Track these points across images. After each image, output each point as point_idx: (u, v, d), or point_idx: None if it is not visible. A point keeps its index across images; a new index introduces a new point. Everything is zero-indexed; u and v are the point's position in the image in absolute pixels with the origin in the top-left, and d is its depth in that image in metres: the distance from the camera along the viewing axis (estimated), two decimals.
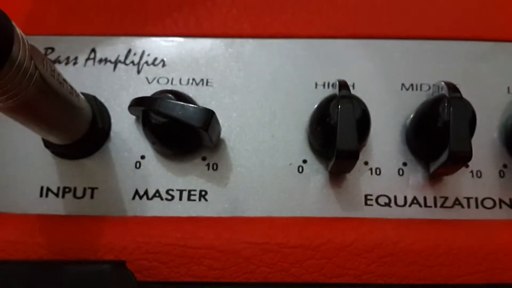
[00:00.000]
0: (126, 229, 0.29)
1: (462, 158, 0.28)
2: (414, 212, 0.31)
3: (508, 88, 0.34)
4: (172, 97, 0.30)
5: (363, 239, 0.29)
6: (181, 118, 0.28)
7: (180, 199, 0.31)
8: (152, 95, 0.30)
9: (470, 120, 0.29)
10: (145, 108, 0.29)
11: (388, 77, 0.34)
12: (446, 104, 0.29)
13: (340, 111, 0.28)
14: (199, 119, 0.28)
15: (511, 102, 0.32)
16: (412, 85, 0.34)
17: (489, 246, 0.29)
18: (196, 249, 0.28)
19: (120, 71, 0.34)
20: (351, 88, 0.31)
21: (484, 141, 0.32)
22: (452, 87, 0.30)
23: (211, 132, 0.29)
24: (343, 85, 0.30)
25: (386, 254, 0.28)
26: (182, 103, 0.29)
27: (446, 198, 0.31)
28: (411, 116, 0.32)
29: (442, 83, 0.30)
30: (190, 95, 0.32)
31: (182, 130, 0.29)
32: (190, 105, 0.29)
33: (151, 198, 0.31)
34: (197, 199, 0.31)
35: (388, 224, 0.30)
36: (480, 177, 0.32)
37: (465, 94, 0.29)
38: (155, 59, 0.34)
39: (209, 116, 0.28)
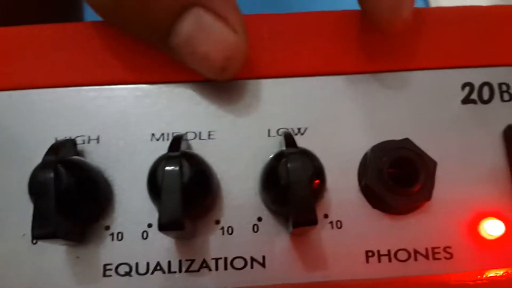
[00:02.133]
0: None
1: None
2: (156, 281, 0.28)
3: (269, 131, 0.30)
4: None
5: None
6: None
7: None
8: None
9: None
10: None
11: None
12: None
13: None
14: None
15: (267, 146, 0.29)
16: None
17: None
18: None
19: None
20: None
21: (237, 193, 0.29)
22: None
23: None
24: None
25: None
26: None
27: (192, 261, 0.28)
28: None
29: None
30: None
31: None
32: None
33: None
34: None
35: None
36: (231, 233, 0.29)
37: None
38: None
39: None
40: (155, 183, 0.26)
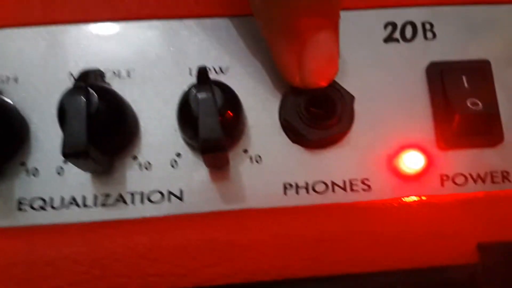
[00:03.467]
0: None
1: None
2: (71, 215, 0.28)
3: (190, 70, 0.30)
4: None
5: None
6: None
7: None
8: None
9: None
10: None
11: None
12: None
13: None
14: None
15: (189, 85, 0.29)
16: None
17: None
18: None
19: None
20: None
21: (156, 130, 0.29)
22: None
23: None
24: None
25: None
26: None
27: (108, 195, 0.28)
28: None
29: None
30: None
31: None
32: None
33: None
34: None
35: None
36: (148, 169, 0.29)
37: None
38: None
39: None
40: (62, 113, 0.26)
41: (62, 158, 0.26)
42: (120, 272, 0.24)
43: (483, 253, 0.23)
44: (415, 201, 0.26)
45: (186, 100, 0.26)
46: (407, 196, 0.27)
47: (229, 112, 0.27)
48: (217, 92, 0.26)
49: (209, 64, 0.30)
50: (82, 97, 0.25)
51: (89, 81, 0.27)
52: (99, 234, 0.24)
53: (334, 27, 0.28)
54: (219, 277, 0.23)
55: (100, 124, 0.26)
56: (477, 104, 0.29)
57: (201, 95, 0.25)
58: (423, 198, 0.27)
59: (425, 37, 0.32)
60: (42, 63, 0.30)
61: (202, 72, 0.26)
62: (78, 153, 0.24)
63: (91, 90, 0.25)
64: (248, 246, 0.24)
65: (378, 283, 0.24)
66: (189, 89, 0.27)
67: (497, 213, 0.25)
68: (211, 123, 0.25)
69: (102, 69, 0.30)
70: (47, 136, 0.29)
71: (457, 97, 0.29)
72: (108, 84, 0.29)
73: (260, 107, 0.30)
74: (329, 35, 0.27)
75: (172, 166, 0.29)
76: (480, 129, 0.29)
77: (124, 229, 0.24)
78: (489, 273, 0.23)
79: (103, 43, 0.31)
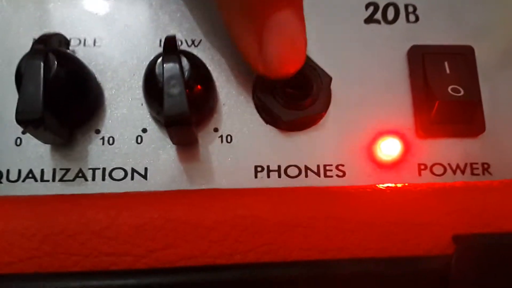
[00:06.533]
0: None
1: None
2: (28, 188, 0.26)
3: (160, 41, 0.28)
4: None
5: None
6: None
7: None
8: None
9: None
10: None
11: None
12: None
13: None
14: None
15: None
16: None
17: None
18: None
19: None
20: None
21: (122, 103, 0.27)
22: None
23: None
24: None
25: None
26: None
27: (68, 170, 0.26)
28: None
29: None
30: None
31: None
32: None
33: None
34: None
35: None
36: (112, 144, 0.27)
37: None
38: None
39: None
40: (19, 77, 0.24)
41: (21, 128, 0.24)
42: (73, 250, 0.22)
43: (458, 244, 0.22)
44: (389, 188, 0.24)
45: (151, 70, 0.25)
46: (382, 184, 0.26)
47: (198, 85, 0.25)
48: (185, 63, 0.25)
49: (180, 36, 0.29)
50: (39, 60, 0.23)
51: (50, 45, 0.25)
52: (52, 208, 0.22)
53: (296, 7, 0.25)
54: (178, 259, 0.22)
55: (59, 91, 0.24)
56: (459, 91, 0.27)
57: (167, 65, 0.24)
58: (398, 185, 0.25)
59: (408, 19, 0.30)
60: (5, 27, 0.28)
61: (170, 41, 0.25)
62: (33, 120, 0.22)
63: (50, 54, 0.24)
64: (210, 228, 0.22)
65: (346, 271, 0.22)
66: (155, 59, 0.25)
67: (474, 205, 0.24)
68: (177, 94, 0.23)
69: (67, 36, 0.28)
70: (6, 105, 0.27)
71: (438, 82, 0.28)
72: (73, 51, 0.27)
73: (233, 84, 0.28)
74: (290, 15, 0.25)
75: (137, 142, 0.27)
76: (461, 118, 0.28)
77: (79, 204, 0.23)
78: (462, 265, 0.22)
79: (70, 9, 0.29)
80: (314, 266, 0.22)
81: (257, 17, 0.25)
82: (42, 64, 0.23)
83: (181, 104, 0.23)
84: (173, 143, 0.26)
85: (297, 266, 0.22)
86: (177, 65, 0.24)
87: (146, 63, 0.27)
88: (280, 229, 0.23)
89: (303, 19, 0.25)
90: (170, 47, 0.25)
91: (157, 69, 0.24)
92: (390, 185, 0.25)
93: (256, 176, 0.27)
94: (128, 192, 0.24)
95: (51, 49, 0.24)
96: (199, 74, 0.25)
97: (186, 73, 0.24)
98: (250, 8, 0.24)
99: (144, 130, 0.27)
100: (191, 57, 0.25)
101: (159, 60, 0.25)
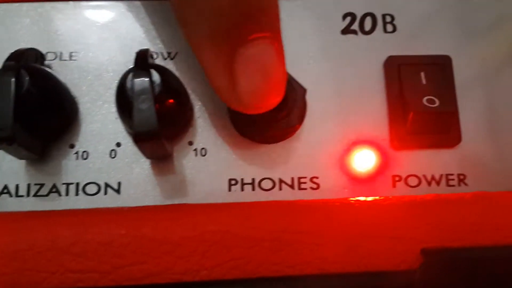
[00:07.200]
0: None
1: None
2: (2, 204, 0.26)
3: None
4: None
5: None
6: None
7: None
8: None
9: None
10: None
11: None
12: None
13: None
14: None
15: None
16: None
17: None
18: None
19: None
20: None
21: (96, 117, 0.28)
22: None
23: None
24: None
25: None
26: None
27: (42, 185, 0.27)
28: None
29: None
30: None
31: None
32: None
33: None
34: None
35: None
36: (86, 158, 0.27)
37: None
38: None
39: None
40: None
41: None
42: (41, 266, 0.22)
43: (424, 258, 0.22)
44: (358, 201, 0.24)
45: (122, 85, 0.25)
46: (356, 197, 0.26)
47: (170, 99, 0.25)
48: (157, 77, 0.25)
49: (156, 49, 0.29)
50: (10, 77, 0.23)
51: (24, 61, 0.25)
52: (21, 225, 0.23)
53: (273, 31, 0.23)
54: (145, 276, 0.22)
55: (31, 107, 0.24)
56: (434, 102, 0.27)
57: (137, 80, 0.24)
58: (368, 199, 0.25)
59: (385, 30, 0.30)
60: None
61: (141, 55, 0.25)
62: (2, 137, 0.22)
63: (22, 70, 0.24)
64: (177, 243, 0.22)
65: (313, 286, 0.22)
66: (126, 74, 0.25)
67: (445, 218, 0.24)
68: (146, 109, 0.23)
69: (44, 50, 0.28)
70: None
71: (413, 93, 0.28)
72: (48, 65, 0.27)
73: (209, 97, 0.28)
74: (263, 47, 0.22)
75: (111, 157, 0.27)
76: (436, 128, 0.28)
77: (48, 220, 0.23)
78: (427, 279, 0.22)
79: (47, 23, 0.29)
80: (279, 282, 0.22)
81: (227, 44, 0.22)
82: (13, 80, 0.23)
83: (150, 119, 0.23)
84: (146, 158, 0.26)
85: (263, 282, 0.22)
86: (147, 80, 0.24)
87: (120, 77, 0.27)
88: (248, 243, 0.23)
89: (282, 45, 0.23)
90: (141, 62, 0.25)
91: (128, 84, 0.25)
92: (360, 198, 0.25)
93: (230, 189, 0.27)
94: (97, 208, 0.24)
95: (24, 65, 0.24)
96: (171, 88, 0.25)
97: (156, 88, 0.24)
98: (220, 33, 0.22)
99: (118, 144, 0.27)
100: (162, 71, 0.25)
101: (130, 75, 0.25)
